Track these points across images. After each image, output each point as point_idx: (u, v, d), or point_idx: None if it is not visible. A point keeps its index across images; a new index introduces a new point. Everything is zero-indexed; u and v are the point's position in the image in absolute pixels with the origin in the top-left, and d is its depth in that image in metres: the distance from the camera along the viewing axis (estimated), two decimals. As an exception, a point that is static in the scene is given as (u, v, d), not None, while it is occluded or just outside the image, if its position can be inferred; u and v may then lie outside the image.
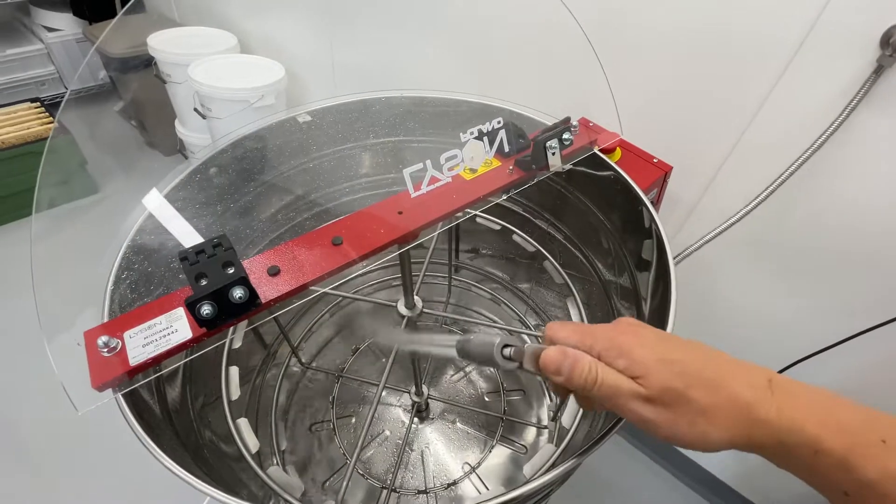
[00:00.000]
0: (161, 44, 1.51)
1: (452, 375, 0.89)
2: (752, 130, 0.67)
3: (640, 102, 0.75)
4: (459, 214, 0.46)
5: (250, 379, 0.77)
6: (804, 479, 0.26)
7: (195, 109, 1.41)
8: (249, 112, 1.34)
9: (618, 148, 0.67)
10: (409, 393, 0.79)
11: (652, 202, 0.66)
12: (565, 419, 0.54)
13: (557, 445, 0.51)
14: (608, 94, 0.63)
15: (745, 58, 0.64)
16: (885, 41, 0.54)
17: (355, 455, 0.54)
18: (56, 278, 0.42)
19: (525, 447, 0.79)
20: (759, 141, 0.68)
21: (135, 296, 0.41)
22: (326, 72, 1.35)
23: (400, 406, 0.85)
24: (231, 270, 0.38)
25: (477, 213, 0.76)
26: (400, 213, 0.44)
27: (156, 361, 0.33)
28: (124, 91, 1.97)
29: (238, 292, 0.32)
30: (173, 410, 0.44)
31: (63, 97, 2.18)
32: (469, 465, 0.77)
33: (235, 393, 0.54)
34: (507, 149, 0.43)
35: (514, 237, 0.74)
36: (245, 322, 0.59)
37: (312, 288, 0.40)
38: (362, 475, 0.74)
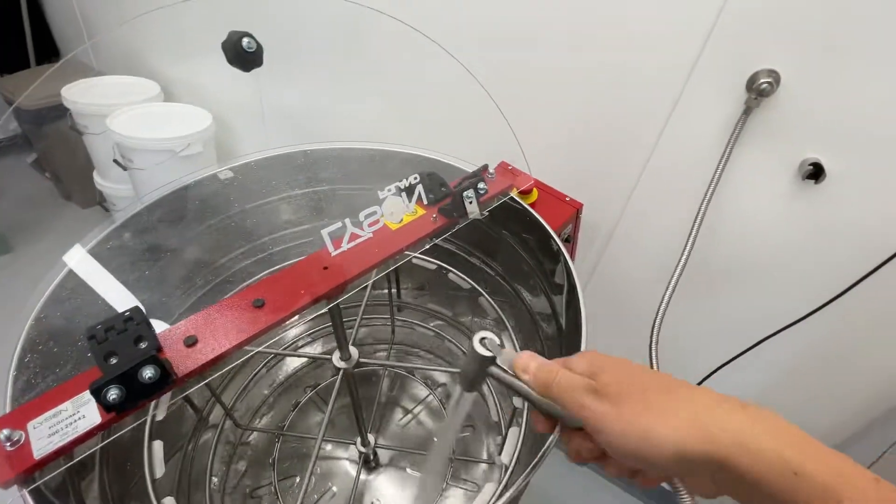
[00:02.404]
0: (76, 94, 1.44)
1: (401, 419, 0.88)
2: (652, 166, 0.75)
3: (551, 143, 0.82)
4: (391, 262, 0.48)
5: (181, 446, 0.72)
6: (764, 501, 0.24)
7: (115, 161, 1.35)
8: (175, 161, 1.30)
9: (534, 189, 0.72)
10: (354, 444, 0.77)
11: (568, 237, 0.71)
12: (504, 456, 0.55)
13: (500, 482, 0.52)
14: (524, 140, 0.68)
15: (638, 100, 0.72)
16: (750, 85, 0.63)
17: None
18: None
19: (477, 485, 0.78)
20: (660, 172, 0.76)
21: (41, 379, 0.38)
22: (256, 119, 1.34)
23: (347, 458, 0.82)
24: (144, 345, 0.36)
25: (410, 254, 0.77)
26: (325, 268, 0.44)
27: (62, 452, 0.31)
28: (38, 143, 1.85)
29: (148, 372, 0.31)
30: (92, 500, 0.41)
31: (-35, 151, 2.01)
32: (423, 511, 0.75)
33: (160, 470, 0.51)
34: (426, 200, 0.45)
35: (450, 275, 0.76)
36: (168, 394, 0.55)
37: (240, 352, 0.40)
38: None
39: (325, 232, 0.37)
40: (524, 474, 0.34)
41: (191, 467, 0.71)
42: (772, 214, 0.70)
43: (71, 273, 0.46)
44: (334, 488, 0.78)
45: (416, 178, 0.43)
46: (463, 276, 0.73)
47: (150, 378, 0.31)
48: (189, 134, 1.29)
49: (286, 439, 0.82)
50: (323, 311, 0.43)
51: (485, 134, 0.90)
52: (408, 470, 0.80)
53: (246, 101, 1.35)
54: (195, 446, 0.73)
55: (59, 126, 1.62)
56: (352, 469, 0.80)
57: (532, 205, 0.70)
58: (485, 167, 0.61)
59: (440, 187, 0.54)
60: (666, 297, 0.74)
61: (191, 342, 0.38)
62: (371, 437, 0.83)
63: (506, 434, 0.76)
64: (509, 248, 0.68)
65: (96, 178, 1.61)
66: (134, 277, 0.52)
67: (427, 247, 0.47)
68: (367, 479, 0.79)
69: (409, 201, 0.43)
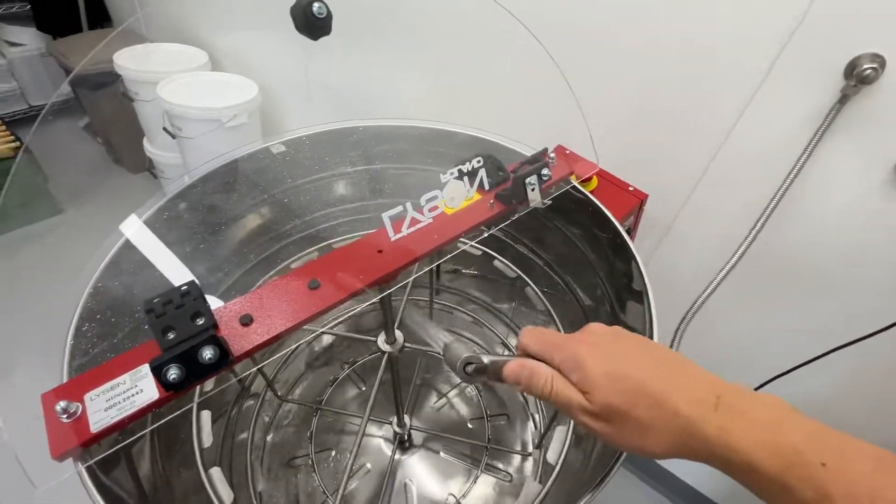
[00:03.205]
0: (128, 61, 1.46)
1: (435, 402, 0.88)
2: (723, 156, 0.69)
3: (615, 129, 0.76)
4: (446, 249, 0.46)
5: (224, 413, 0.74)
6: (750, 490, 0.27)
7: (164, 129, 1.37)
8: (222, 132, 1.31)
9: (594, 177, 0.67)
10: (390, 424, 0.77)
11: (627, 230, 0.67)
12: (550, 455, 0.54)
13: (542, 482, 0.50)
14: (583, 122, 0.63)
15: (714, 83, 0.66)
16: (850, 72, 0.57)
17: (340, 492, 0.52)
18: (11, 319, 0.39)
19: (510, 475, 0.77)
20: (730, 165, 0.70)
21: (97, 349, 0.39)
22: (302, 92, 1.33)
23: (382, 437, 0.82)
24: (201, 321, 0.36)
25: (466, 242, 0.75)
26: (380, 251, 0.42)
27: (119, 426, 0.31)
28: (89, 107, 1.91)
29: (208, 353, 0.30)
30: (144, 477, 0.42)
31: (25, 114, 2.10)
32: (454, 496, 0.75)
33: (208, 440, 0.51)
34: (486, 186, 0.42)
35: (496, 262, 0.73)
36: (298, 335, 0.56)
37: (293, 334, 0.39)
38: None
39: (385, 216, 0.35)
40: (592, 489, 0.32)
41: (232, 435, 0.73)
42: (855, 215, 0.64)
43: (126, 243, 0.46)
44: (368, 465, 0.78)
45: (479, 162, 0.40)
46: (510, 264, 0.71)
47: (210, 358, 0.30)
48: (236, 104, 1.30)
49: (323, 413, 0.83)
50: (376, 298, 0.41)
51: (540, 114, 0.86)
52: (441, 453, 0.80)
53: (292, 73, 1.34)
54: (237, 414, 0.75)
55: (111, 92, 1.66)
56: (386, 448, 0.80)
57: (591, 193, 0.67)
58: (545, 151, 0.57)
59: (498, 171, 0.51)
60: (706, 293, 0.69)
61: (246, 321, 0.37)
62: (406, 419, 0.83)
63: (546, 428, 0.74)
64: (563, 238, 0.65)
65: (146, 144, 1.66)
66: (185, 250, 0.52)
67: (484, 235, 0.44)
68: (400, 459, 0.80)
69: (471, 186, 0.40)
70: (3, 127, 1.68)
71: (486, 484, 0.77)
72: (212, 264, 0.54)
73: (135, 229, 0.48)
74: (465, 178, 0.40)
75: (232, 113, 1.29)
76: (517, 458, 0.79)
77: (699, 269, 0.82)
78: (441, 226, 0.42)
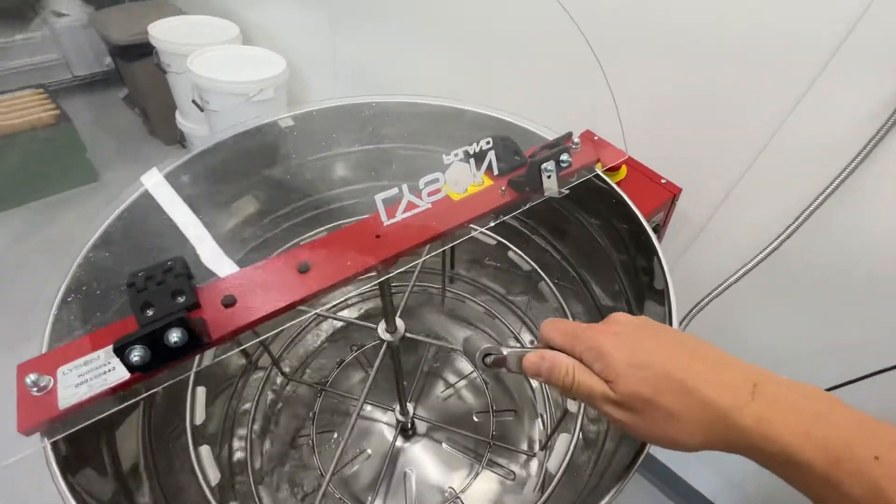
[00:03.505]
0: (162, 32, 1.48)
1: (442, 391, 0.86)
2: (770, 153, 0.62)
3: (649, 115, 0.71)
4: (449, 237, 0.43)
5: (228, 387, 0.74)
6: (790, 484, 0.25)
7: (193, 101, 1.38)
8: (248, 106, 1.31)
9: (623, 166, 0.62)
10: (393, 411, 0.76)
11: (656, 226, 0.62)
12: (552, 463, 0.50)
13: (542, 490, 0.47)
14: (613, 105, 0.58)
15: (766, 68, 0.59)
16: (925, 60, 0.49)
17: (329, 473, 0.50)
18: (47, 284, 0.38)
19: (513, 473, 0.75)
20: (777, 164, 0.63)
21: (82, 320, 0.38)
22: (328, 68, 1.31)
23: (385, 423, 0.81)
24: (181, 299, 0.34)
25: (474, 229, 0.72)
26: (378, 236, 0.40)
27: (87, 405, 0.30)
28: (128, 79, 1.95)
29: (174, 335, 0.28)
30: (129, 453, 0.41)
31: (68, 83, 2.17)
32: (453, 489, 0.73)
33: (200, 417, 0.51)
34: (496, 170, 0.39)
35: (510, 253, 0.69)
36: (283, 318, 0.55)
37: (280, 317, 0.37)
38: (340, 498, 0.71)
39: (379, 198, 0.32)
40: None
41: (235, 409, 0.73)
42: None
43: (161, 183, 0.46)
44: (369, 450, 0.78)
45: (488, 143, 0.37)
46: (524, 255, 0.67)
47: (175, 342, 0.28)
48: (262, 79, 1.29)
49: (328, 395, 0.82)
50: (373, 283, 0.38)
51: (570, 97, 0.80)
52: (444, 445, 0.78)
53: (320, 49, 1.31)
54: (241, 389, 0.75)
55: (147, 63, 1.68)
56: (389, 434, 0.79)
57: (618, 184, 0.62)
58: (569, 135, 0.53)
59: (514, 155, 0.47)
60: (722, 287, 0.63)
61: (229, 302, 0.35)
62: (411, 406, 0.81)
63: (552, 430, 0.71)
64: (582, 231, 0.60)
65: (178, 117, 1.68)
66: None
67: (492, 224, 0.41)
68: (402, 447, 0.78)
69: (478, 170, 0.37)
70: (46, 96, 1.73)
71: (487, 480, 0.75)
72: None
73: (155, 181, 0.48)
74: (472, 161, 0.36)
75: (258, 87, 1.28)
76: (522, 456, 0.76)
77: (730, 274, 0.76)
78: (443, 212, 0.39)
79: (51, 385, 0.30)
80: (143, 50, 1.64)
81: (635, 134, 0.60)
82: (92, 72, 2.23)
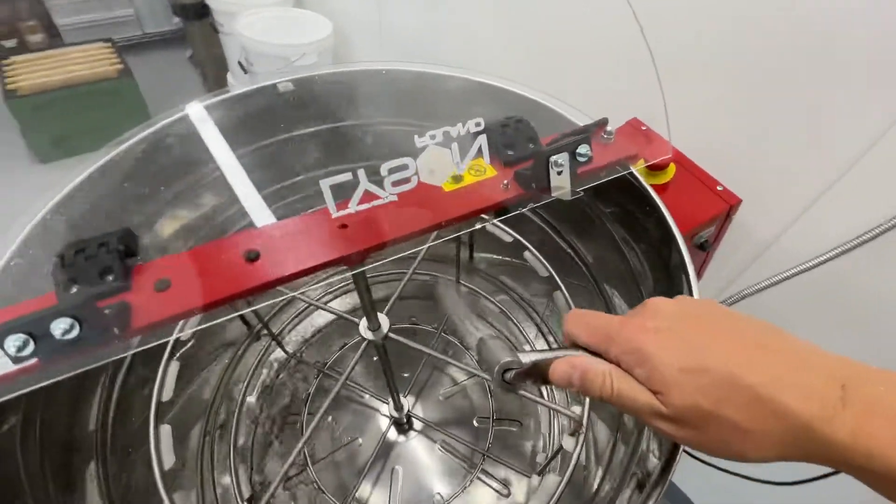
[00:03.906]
0: (217, -8, 1.47)
1: (446, 389, 0.81)
2: (864, 166, 0.50)
3: (711, 109, 0.59)
4: (429, 236, 0.36)
5: (230, 356, 0.73)
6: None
7: (239, 63, 1.37)
8: (290, 70, 1.28)
9: (672, 165, 0.52)
10: (388, 405, 0.72)
11: (704, 242, 0.52)
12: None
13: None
14: (671, 92, 0.48)
15: (867, 75, 0.46)
16: None
17: (294, 454, 0.46)
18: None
19: (508, 489, 0.69)
20: (872, 180, 0.51)
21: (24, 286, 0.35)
22: (373, 32, 1.25)
23: (383, 414, 0.78)
24: (110, 278, 0.30)
25: (476, 226, 0.64)
26: (344, 226, 0.34)
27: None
28: (189, 38, 1.99)
29: (60, 326, 0.24)
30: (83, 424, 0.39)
31: (137, 40, 2.26)
32: (441, 496, 0.69)
33: (168, 394, 0.49)
34: (487, 158, 0.31)
35: (526, 254, 0.62)
36: (196, 318, 0.53)
37: (224, 308, 0.32)
38: (314, 483, 0.68)
39: (326, 183, 0.26)
40: None
41: (229, 381, 0.72)
42: None
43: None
44: (360, 440, 0.74)
45: (478, 124, 0.29)
46: (542, 259, 0.59)
47: (63, 334, 0.24)
48: (305, 43, 1.25)
49: (326, 376, 0.80)
50: (343, 275, 0.33)
51: (627, 81, 0.69)
52: (438, 447, 0.73)
53: (368, 13, 1.25)
54: (237, 361, 0.74)
55: (205, 23, 1.70)
56: (384, 426, 0.75)
57: (663, 186, 0.52)
58: (602, 123, 0.44)
59: (527, 142, 0.40)
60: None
61: (162, 286, 0.31)
62: (409, 401, 0.77)
63: (550, 457, 0.64)
64: (609, 238, 0.51)
65: (229, 78, 1.70)
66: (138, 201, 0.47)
67: (485, 224, 0.33)
68: (396, 441, 0.74)
69: (463, 158, 0.30)
70: (113, 50, 1.81)
71: (477, 492, 0.69)
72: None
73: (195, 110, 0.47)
74: (454, 146, 0.29)
75: (300, 52, 1.25)
76: (517, 474, 0.70)
77: (804, 308, 0.64)
78: (415, 206, 0.33)
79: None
80: (204, 10, 1.66)
81: (694, 129, 0.50)
82: (161, 30, 2.31)
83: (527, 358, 0.28)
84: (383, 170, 0.27)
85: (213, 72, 1.97)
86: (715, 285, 0.73)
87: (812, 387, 0.21)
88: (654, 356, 0.23)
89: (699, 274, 0.61)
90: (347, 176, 0.26)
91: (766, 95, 0.55)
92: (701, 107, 0.58)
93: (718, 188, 0.51)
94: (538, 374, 0.28)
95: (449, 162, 0.29)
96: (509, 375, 0.28)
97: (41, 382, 0.26)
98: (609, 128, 0.43)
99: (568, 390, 0.26)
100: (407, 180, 0.28)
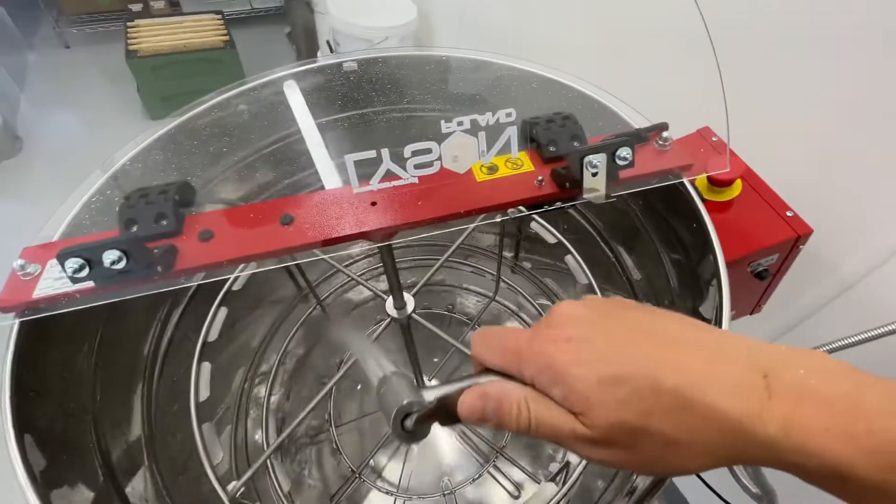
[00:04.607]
0: (315, -29, 1.55)
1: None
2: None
3: (794, 126, 0.53)
4: (457, 222, 0.37)
5: (283, 312, 0.78)
6: (837, 497, 0.19)
7: (327, 42, 1.44)
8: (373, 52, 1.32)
9: (738, 181, 0.48)
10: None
11: (763, 272, 0.47)
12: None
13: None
14: (748, 104, 0.44)
15: None
16: None
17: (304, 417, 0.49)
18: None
19: (518, 490, 0.68)
20: None
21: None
22: (455, 19, 1.26)
23: (408, 392, 0.80)
24: (164, 223, 0.34)
25: (531, 213, 0.63)
26: (374, 203, 0.35)
27: (56, 300, 0.32)
28: (289, 15, 2.12)
29: (110, 257, 0.27)
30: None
31: (246, 14, 2.44)
32: (450, 484, 0.70)
33: (214, 335, 0.54)
34: (515, 152, 0.31)
35: (568, 258, 0.60)
36: (250, 265, 0.57)
37: (262, 262, 0.35)
38: (335, 447, 0.72)
39: (350, 158, 0.27)
40: None
41: (275, 334, 0.77)
42: None
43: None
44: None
45: (509, 115, 0.29)
46: (583, 265, 0.57)
47: (112, 263, 0.27)
48: (387, 26, 1.29)
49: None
50: (372, 246, 0.35)
51: (696, 77, 0.64)
52: (455, 437, 0.74)
53: (451, 1, 1.26)
54: (284, 318, 0.79)
55: (303, 2, 1.80)
56: (406, 404, 0.78)
57: (724, 204, 0.48)
58: (659, 127, 0.41)
59: (570, 140, 0.38)
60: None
61: (206, 237, 0.34)
62: (432, 384, 0.78)
63: (556, 473, 0.63)
64: (653, 253, 0.49)
65: (318, 56, 1.79)
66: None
67: (510, 217, 0.33)
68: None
69: (490, 149, 0.30)
70: (221, 21, 1.97)
71: (486, 488, 0.70)
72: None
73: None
74: (481, 135, 0.29)
75: (383, 35, 1.28)
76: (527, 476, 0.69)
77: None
78: (466, 188, 0.33)
79: (37, 272, 0.33)
80: (303, -13, 1.75)
81: (773, 148, 0.46)
82: (267, 6, 2.47)
83: (430, 395, 0.24)
84: (406, 151, 0.28)
85: (305, 50, 2.08)
86: (769, 328, 0.66)
87: (734, 380, 0.19)
88: (568, 371, 0.21)
89: (755, 307, 0.56)
90: (371, 153, 0.27)
91: (858, 117, 0.48)
92: (782, 120, 0.53)
93: (788, 213, 0.46)
94: (446, 412, 0.24)
95: (474, 150, 0.29)
96: (409, 422, 0.24)
97: (95, 303, 0.30)
98: (666, 133, 0.41)
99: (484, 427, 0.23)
100: (429, 164, 0.29)
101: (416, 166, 0.29)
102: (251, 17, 2.45)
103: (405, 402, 0.23)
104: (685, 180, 0.40)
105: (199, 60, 1.81)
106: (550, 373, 0.21)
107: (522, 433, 0.22)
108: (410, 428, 0.24)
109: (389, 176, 0.29)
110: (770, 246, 0.45)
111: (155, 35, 1.81)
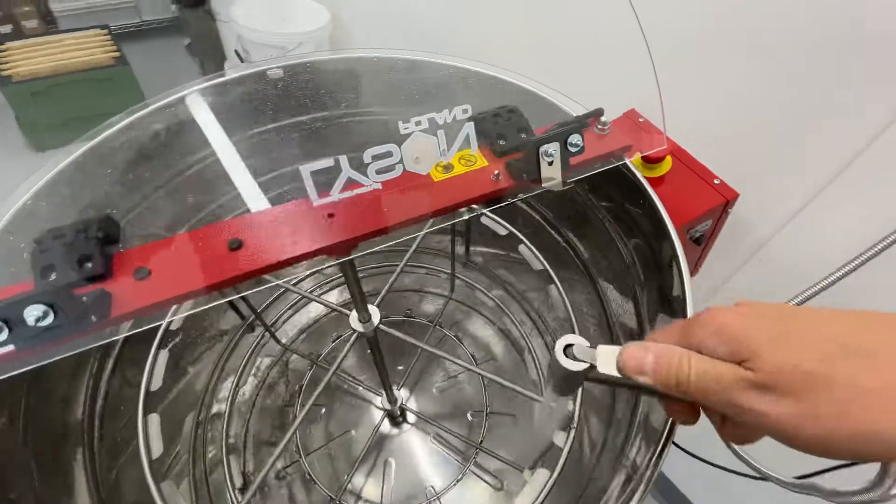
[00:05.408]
0: (213, -22, 1.45)
1: (441, 382, 0.80)
2: (861, 164, 0.49)
3: (711, 101, 0.58)
4: (416, 226, 0.35)
5: (229, 346, 0.73)
6: None
7: (235, 51, 1.36)
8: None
9: (668, 157, 0.52)
10: (381, 397, 0.71)
11: (699, 237, 0.51)
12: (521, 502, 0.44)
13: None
14: (668, 84, 0.47)
15: (865, 73, 0.45)
16: None
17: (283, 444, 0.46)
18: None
19: (501, 483, 0.69)
20: (869, 177, 0.50)
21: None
22: (372, 20, 1.23)
23: (377, 406, 0.77)
24: (90, 265, 0.30)
25: (494, 207, 0.63)
26: (330, 216, 0.33)
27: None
28: (187, 26, 1.97)
29: (33, 313, 0.23)
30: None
31: (135, 28, 2.23)
32: (434, 490, 0.69)
33: (158, 383, 0.48)
34: (473, 148, 0.31)
35: (521, 247, 0.61)
36: (186, 305, 0.52)
37: (211, 296, 0.32)
38: (307, 474, 0.68)
39: (306, 169, 0.25)
40: None
41: (222, 372, 0.72)
42: None
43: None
44: (353, 433, 0.74)
45: (465, 111, 0.29)
46: (537, 253, 0.58)
47: (37, 321, 0.23)
48: (301, 32, 1.24)
49: (320, 368, 0.79)
50: (330, 265, 0.32)
51: (621, 67, 0.68)
52: (430, 441, 0.73)
53: (365, 2, 1.24)
54: (230, 352, 0.73)
55: (202, 11, 1.68)
56: (377, 417, 0.75)
57: (659, 179, 0.51)
58: (596, 113, 0.43)
59: (518, 132, 0.39)
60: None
61: (142, 275, 0.30)
62: (402, 393, 0.77)
63: (543, 452, 0.64)
64: (603, 231, 0.51)
65: (226, 67, 1.68)
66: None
67: (473, 215, 0.33)
68: (390, 433, 0.74)
69: (450, 147, 0.29)
70: (109, 36, 1.79)
71: (471, 486, 0.69)
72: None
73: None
74: (441, 133, 0.29)
75: (297, 41, 1.23)
76: (510, 467, 0.70)
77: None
78: (403, 196, 0.32)
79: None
80: (200, -3, 1.63)
81: (693, 122, 0.49)
82: (158, 17, 2.28)
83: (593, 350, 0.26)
84: (366, 156, 0.27)
85: (209, 61, 1.95)
86: (705, 285, 0.72)
87: None
88: (737, 328, 0.21)
89: (694, 269, 0.60)
90: (329, 162, 0.26)
91: (767, 89, 0.54)
92: (701, 99, 0.57)
93: (715, 181, 0.51)
94: (606, 357, 0.25)
95: (435, 150, 0.29)
96: (572, 351, 0.26)
97: (17, 370, 0.26)
98: (604, 118, 0.43)
99: (635, 380, 0.23)
100: (391, 168, 0.28)
101: (378, 171, 0.27)
102: (143, 31, 2.25)
103: (563, 338, 0.27)
104: (628, 160, 0.42)
105: (88, 81, 1.63)
106: (718, 334, 0.21)
107: (678, 386, 0.22)
108: (573, 356, 0.26)
109: (351, 184, 0.27)
110: (704, 212, 0.49)
111: (31, 57, 1.60)
